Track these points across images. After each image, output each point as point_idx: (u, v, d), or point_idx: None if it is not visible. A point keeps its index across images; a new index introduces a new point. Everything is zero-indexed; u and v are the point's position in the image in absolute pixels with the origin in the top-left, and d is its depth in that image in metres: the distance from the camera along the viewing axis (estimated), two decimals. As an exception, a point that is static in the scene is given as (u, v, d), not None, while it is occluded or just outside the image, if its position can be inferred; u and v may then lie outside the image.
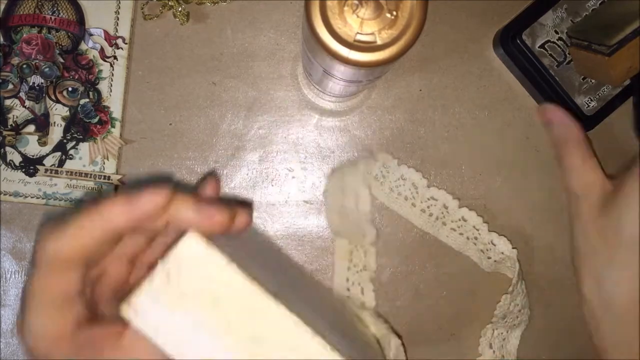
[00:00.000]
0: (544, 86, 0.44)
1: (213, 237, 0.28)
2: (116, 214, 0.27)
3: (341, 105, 0.46)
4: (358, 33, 0.28)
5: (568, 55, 0.43)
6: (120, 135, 0.45)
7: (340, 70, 0.31)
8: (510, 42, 0.43)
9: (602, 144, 0.45)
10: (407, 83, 0.46)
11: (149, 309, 0.27)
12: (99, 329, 0.28)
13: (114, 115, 0.45)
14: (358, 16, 0.28)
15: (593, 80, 0.43)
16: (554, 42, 0.43)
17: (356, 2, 0.28)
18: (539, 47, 0.43)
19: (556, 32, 0.43)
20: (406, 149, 0.46)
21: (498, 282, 0.47)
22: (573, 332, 0.47)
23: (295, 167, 0.46)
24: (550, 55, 0.43)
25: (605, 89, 0.44)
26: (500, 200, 0.46)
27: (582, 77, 0.43)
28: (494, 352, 0.45)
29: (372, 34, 0.28)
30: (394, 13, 0.28)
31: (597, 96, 0.44)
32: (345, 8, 0.28)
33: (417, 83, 0.46)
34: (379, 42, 0.28)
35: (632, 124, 0.46)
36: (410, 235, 0.46)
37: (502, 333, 0.45)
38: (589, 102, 0.44)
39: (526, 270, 0.46)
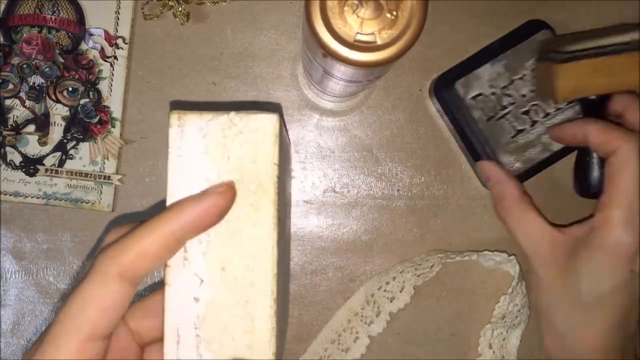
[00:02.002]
0: (469, 139, 0.43)
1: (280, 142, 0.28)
2: (186, 212, 0.26)
3: (341, 105, 0.46)
4: (358, 33, 0.28)
5: (499, 111, 0.43)
6: (121, 135, 0.45)
7: (340, 70, 0.31)
8: (442, 89, 0.43)
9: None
10: (407, 83, 0.46)
11: (191, 133, 0.27)
12: None
13: (114, 115, 0.45)
14: (358, 16, 0.28)
15: (521, 140, 0.42)
16: (486, 96, 0.42)
17: (356, 2, 0.28)
18: (470, 99, 0.43)
19: (491, 87, 0.43)
20: (406, 149, 0.46)
21: (498, 282, 0.47)
22: (573, 332, 0.47)
23: (295, 167, 0.46)
24: (482, 108, 0.43)
25: (532, 152, 0.43)
26: (500, 200, 0.46)
27: (511, 135, 0.43)
28: (493, 352, 0.45)
29: (372, 34, 0.28)
30: (394, 13, 0.28)
31: (523, 157, 0.43)
32: (345, 8, 0.28)
33: (417, 83, 0.46)
34: (379, 42, 0.28)
35: (573, 182, 0.44)
36: (410, 235, 0.46)
37: (501, 333, 0.45)
38: (514, 162, 0.43)
39: (526, 270, 0.46)
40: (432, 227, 0.46)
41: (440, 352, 0.46)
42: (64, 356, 0.24)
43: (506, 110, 0.43)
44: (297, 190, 0.46)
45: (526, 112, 0.43)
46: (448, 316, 0.46)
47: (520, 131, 0.43)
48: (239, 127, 0.27)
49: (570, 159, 0.44)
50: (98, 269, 0.25)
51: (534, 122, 0.43)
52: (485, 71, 0.43)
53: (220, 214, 0.26)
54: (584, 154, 0.41)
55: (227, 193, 0.26)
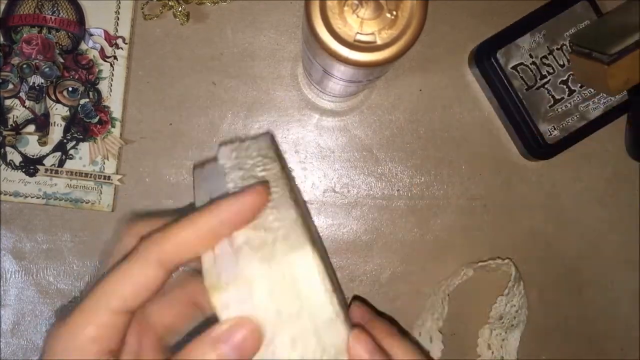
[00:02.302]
0: (510, 107, 0.44)
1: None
2: (224, 209, 0.27)
3: (341, 105, 0.46)
4: (358, 33, 0.28)
5: (538, 80, 0.43)
6: (120, 135, 0.45)
7: (340, 70, 0.31)
8: (484, 59, 0.43)
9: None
10: (407, 83, 0.46)
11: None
12: None
13: (114, 115, 0.45)
14: (358, 16, 0.28)
15: (559, 110, 0.43)
16: (526, 66, 0.43)
17: (356, 2, 0.28)
18: (511, 68, 0.43)
19: (530, 56, 0.43)
20: (406, 149, 0.46)
21: (498, 282, 0.47)
22: (573, 332, 0.47)
23: (295, 167, 0.46)
24: (522, 78, 0.43)
25: (570, 120, 0.44)
26: (500, 200, 0.46)
27: (550, 104, 0.43)
28: (492, 352, 0.45)
29: (372, 34, 0.28)
30: (394, 13, 0.28)
31: (561, 126, 0.44)
32: (345, 8, 0.28)
33: (417, 83, 0.46)
34: (379, 42, 0.28)
35: (626, 143, 0.46)
36: (410, 235, 0.46)
37: (500, 334, 0.45)
38: (552, 131, 0.44)
39: (526, 271, 0.46)
40: (432, 227, 0.46)
41: (440, 352, 0.46)
42: (94, 323, 0.26)
43: (545, 80, 0.43)
44: (297, 190, 0.46)
45: (564, 82, 0.44)
46: (448, 316, 0.46)
47: (558, 100, 0.44)
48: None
49: (608, 129, 0.45)
50: (140, 252, 0.27)
51: (571, 91, 0.44)
52: (525, 41, 0.43)
53: (255, 212, 0.28)
54: (637, 116, 0.42)
55: (263, 193, 0.28)
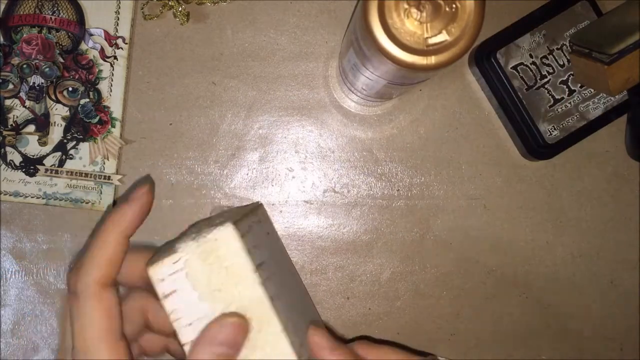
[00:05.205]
0: (510, 107, 0.44)
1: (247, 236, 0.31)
2: (127, 215, 0.31)
3: (345, 105, 0.46)
4: (427, 38, 0.28)
5: (538, 81, 0.43)
6: (121, 135, 0.45)
7: (405, 77, 0.31)
8: (484, 59, 0.43)
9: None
10: (407, 83, 0.46)
11: (166, 275, 0.31)
12: None
13: (114, 115, 0.45)
14: (421, 22, 0.28)
15: (559, 110, 0.43)
16: (527, 66, 0.43)
17: (415, 10, 0.28)
18: (511, 68, 0.43)
19: (530, 56, 0.43)
20: (406, 149, 0.46)
21: (498, 282, 0.47)
22: (573, 331, 0.47)
23: (295, 167, 0.46)
24: (522, 78, 0.43)
25: (570, 120, 0.44)
26: (500, 200, 0.46)
27: (550, 104, 0.43)
28: None
29: (441, 32, 0.28)
30: (454, 5, 0.28)
31: (561, 126, 0.44)
32: (407, 20, 0.28)
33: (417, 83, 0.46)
34: (450, 38, 0.28)
35: (626, 143, 0.46)
36: (410, 235, 0.46)
37: None
38: (552, 131, 0.43)
39: (526, 270, 0.46)
40: (432, 227, 0.46)
41: (440, 352, 0.46)
42: None
43: (545, 80, 0.43)
44: (297, 190, 0.46)
45: (564, 82, 0.44)
46: (448, 316, 0.46)
47: (558, 100, 0.44)
48: (204, 255, 0.30)
49: (608, 129, 0.45)
50: (84, 292, 0.30)
51: (571, 91, 0.44)
52: (525, 41, 0.43)
53: (150, 208, 0.32)
54: (637, 115, 0.43)
55: (149, 193, 0.32)
